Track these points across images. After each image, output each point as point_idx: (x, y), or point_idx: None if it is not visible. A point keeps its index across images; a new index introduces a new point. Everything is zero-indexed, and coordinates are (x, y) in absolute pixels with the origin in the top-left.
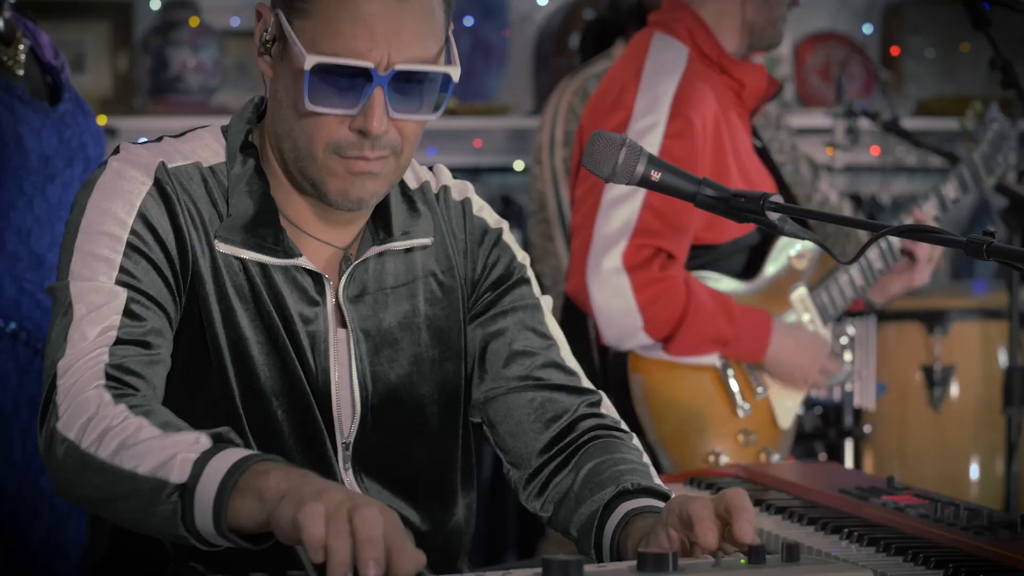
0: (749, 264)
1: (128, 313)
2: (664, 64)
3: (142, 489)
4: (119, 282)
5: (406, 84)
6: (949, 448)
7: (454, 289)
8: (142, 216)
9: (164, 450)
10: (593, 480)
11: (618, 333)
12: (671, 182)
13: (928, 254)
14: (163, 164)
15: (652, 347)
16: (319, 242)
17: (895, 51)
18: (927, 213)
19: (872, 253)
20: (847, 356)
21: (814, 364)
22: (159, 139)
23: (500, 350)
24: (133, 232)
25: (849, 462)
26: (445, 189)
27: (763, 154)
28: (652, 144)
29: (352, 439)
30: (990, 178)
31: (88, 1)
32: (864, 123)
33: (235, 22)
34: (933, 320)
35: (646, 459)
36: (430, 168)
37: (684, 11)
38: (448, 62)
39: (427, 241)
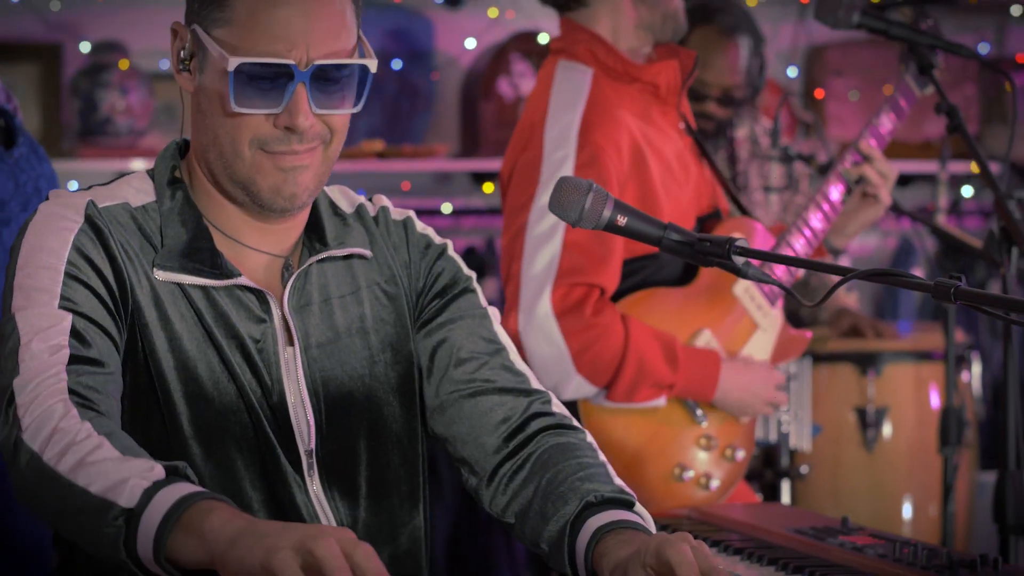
0: (687, 267)
1: (75, 334)
2: (567, 92)
3: (91, 508)
4: (62, 307)
5: (326, 80)
6: (882, 488)
7: (398, 296)
8: (77, 248)
9: (118, 472)
10: (555, 492)
11: (553, 381)
12: (637, 227)
13: (881, 183)
14: (92, 202)
15: (595, 395)
16: (258, 252)
17: (819, 94)
18: (868, 142)
19: (814, 217)
20: (782, 400)
21: (763, 399)
22: (88, 188)
23: (448, 357)
24: (70, 263)
25: (786, 502)
26: (384, 210)
27: (697, 142)
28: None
29: (314, 447)
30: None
31: (17, 43)
32: (798, 166)
33: (164, 65)
34: (866, 362)
35: (602, 457)
36: (370, 199)
37: (580, 32)
38: (363, 56)
39: (364, 252)
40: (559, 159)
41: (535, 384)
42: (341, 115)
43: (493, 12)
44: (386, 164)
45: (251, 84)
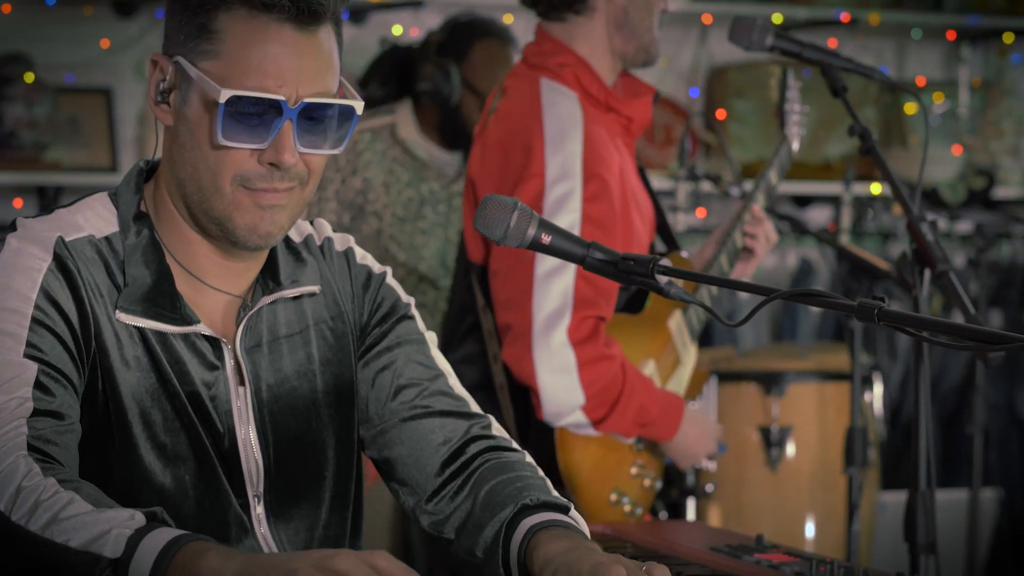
0: (635, 295)
1: (39, 386)
2: (563, 119)
3: (74, 563)
4: (27, 356)
5: (312, 119)
6: (785, 507)
7: (345, 335)
8: (44, 292)
9: (98, 525)
10: (493, 501)
11: (557, 409)
12: (561, 245)
13: (764, 246)
14: (61, 239)
15: (583, 426)
16: (218, 292)
17: (721, 114)
18: (759, 203)
19: (723, 259)
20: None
21: (705, 451)
22: (51, 211)
23: (388, 384)
24: (37, 307)
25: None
26: (328, 241)
27: (641, 173)
28: (574, 210)
29: (262, 491)
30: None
31: None
32: (705, 186)
33: (69, 79)
34: (770, 381)
35: (541, 473)
36: (311, 223)
37: (566, 54)
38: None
39: (315, 289)
40: (564, 193)
41: (474, 408)
42: (321, 156)
43: (397, 29)
44: None
45: (238, 118)
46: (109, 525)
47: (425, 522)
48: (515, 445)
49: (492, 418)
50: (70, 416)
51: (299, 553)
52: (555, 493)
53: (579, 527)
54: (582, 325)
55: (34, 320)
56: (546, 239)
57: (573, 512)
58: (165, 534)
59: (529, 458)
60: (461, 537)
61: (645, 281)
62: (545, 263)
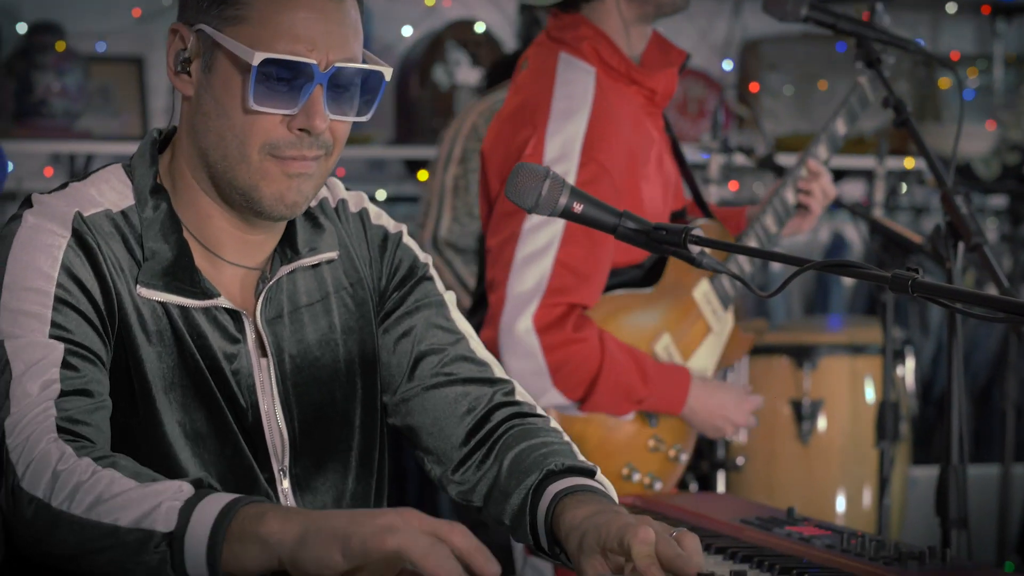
0: (651, 268)
1: (66, 365)
2: (572, 96)
3: (126, 541)
4: (53, 336)
5: (340, 86)
6: (816, 481)
7: (365, 301)
8: (66, 269)
9: (146, 500)
10: (518, 468)
11: (529, 392)
12: (593, 214)
13: (821, 203)
14: (79, 214)
15: (568, 407)
16: (235, 267)
17: (754, 88)
18: (819, 157)
19: (768, 219)
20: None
21: (732, 422)
22: (64, 186)
23: (408, 351)
24: (59, 286)
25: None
26: (343, 202)
27: (675, 147)
28: None
29: (287, 464)
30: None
31: None
32: (738, 158)
33: (100, 47)
34: (802, 355)
35: (566, 438)
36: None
37: (585, 27)
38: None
39: (333, 255)
40: (560, 173)
41: (498, 373)
42: (346, 124)
43: (430, 0)
44: None
45: (269, 84)
46: (158, 499)
47: (453, 491)
48: (539, 410)
49: (515, 382)
50: (100, 392)
51: (357, 516)
52: (581, 457)
53: (606, 491)
54: (550, 312)
55: (57, 299)
56: (578, 208)
57: (600, 476)
58: (217, 500)
59: (554, 423)
60: (488, 505)
61: (677, 251)
62: (526, 247)
